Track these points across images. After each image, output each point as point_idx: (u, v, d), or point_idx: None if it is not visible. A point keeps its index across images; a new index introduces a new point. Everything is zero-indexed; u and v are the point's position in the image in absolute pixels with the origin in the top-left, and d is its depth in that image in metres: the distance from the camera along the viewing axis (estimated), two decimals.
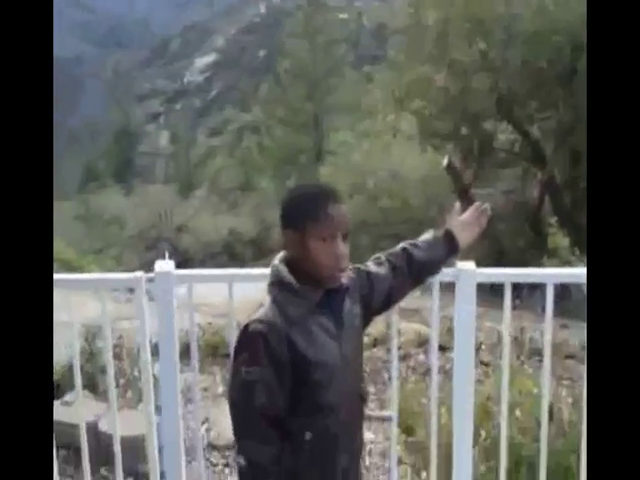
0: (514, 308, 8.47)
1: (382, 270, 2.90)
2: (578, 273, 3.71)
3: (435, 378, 3.50)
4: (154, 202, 37.15)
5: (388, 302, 2.98)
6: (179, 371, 3.54)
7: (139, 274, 3.46)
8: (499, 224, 17.46)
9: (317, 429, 2.62)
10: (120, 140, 72.04)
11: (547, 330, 3.39)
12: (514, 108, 17.31)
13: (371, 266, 2.91)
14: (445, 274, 3.24)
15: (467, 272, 3.32)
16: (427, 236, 3.07)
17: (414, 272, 2.99)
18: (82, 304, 5.44)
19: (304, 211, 2.62)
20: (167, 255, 3.50)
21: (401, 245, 3.02)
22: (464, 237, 3.08)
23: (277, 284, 2.65)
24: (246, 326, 2.60)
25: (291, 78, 42.72)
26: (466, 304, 3.33)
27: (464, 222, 3.10)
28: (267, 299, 2.65)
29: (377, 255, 2.98)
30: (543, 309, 3.38)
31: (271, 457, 2.56)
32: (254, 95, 58.27)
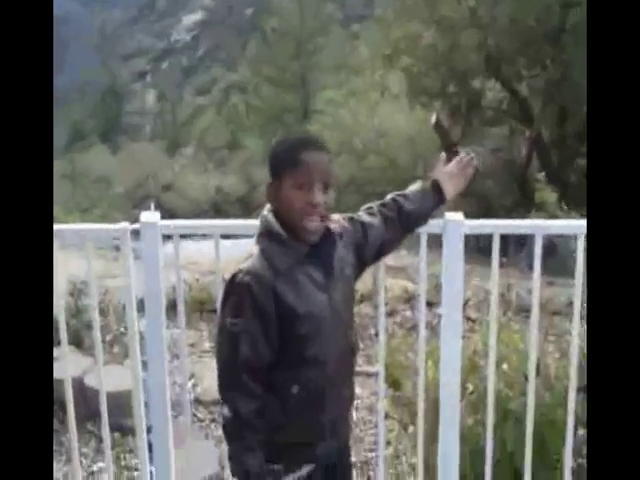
0: (501, 266, 8.48)
1: (375, 221, 2.89)
2: (567, 224, 3.69)
3: (423, 331, 3.49)
4: (141, 161, 37.05)
5: (380, 253, 2.96)
6: (166, 327, 3.52)
7: (124, 225, 3.42)
8: (487, 182, 17.47)
9: (304, 382, 2.60)
10: (107, 99, 71.63)
11: (536, 281, 3.36)
12: (502, 66, 17.26)
13: (364, 216, 2.89)
14: (432, 225, 3.22)
15: (454, 223, 3.28)
16: (415, 187, 3.06)
17: (404, 223, 2.98)
18: (68, 262, 5.42)
19: (280, 159, 2.61)
20: (153, 207, 3.47)
21: (390, 196, 3.00)
22: (450, 188, 3.07)
23: (265, 235, 2.63)
24: (233, 277, 2.57)
25: (278, 37, 42.51)
26: (453, 255, 3.31)
27: (450, 173, 3.09)
28: (255, 250, 2.62)
29: (369, 205, 2.97)
30: (529, 267, 3.37)
31: (254, 409, 2.55)
32: (241, 54, 57.98)
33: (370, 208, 2.95)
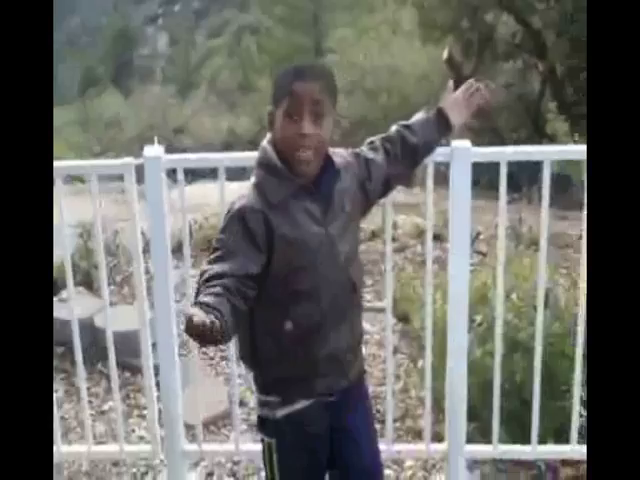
0: (512, 201, 8.44)
1: (378, 156, 2.84)
2: (575, 149, 3.64)
3: (429, 261, 3.47)
4: (152, 104, 36.94)
5: (386, 188, 2.92)
6: (174, 266, 3.51)
7: (128, 160, 3.41)
8: (499, 116, 17.34)
9: (298, 318, 2.57)
10: (118, 43, 71.35)
11: (544, 208, 3.33)
12: None
13: (368, 152, 2.85)
14: (439, 153, 3.18)
15: (462, 150, 3.25)
16: (419, 116, 3.00)
17: (408, 155, 2.93)
18: (78, 207, 5.41)
19: (277, 88, 2.59)
20: (156, 141, 3.44)
21: (394, 128, 2.95)
22: (456, 115, 3.01)
23: (262, 165, 2.61)
24: (232, 205, 2.57)
25: None
26: (461, 183, 3.28)
27: (456, 99, 3.03)
28: (252, 180, 2.61)
29: (371, 139, 2.91)
30: (541, 200, 3.33)
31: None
32: None
33: (372, 142, 2.90)
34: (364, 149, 2.86)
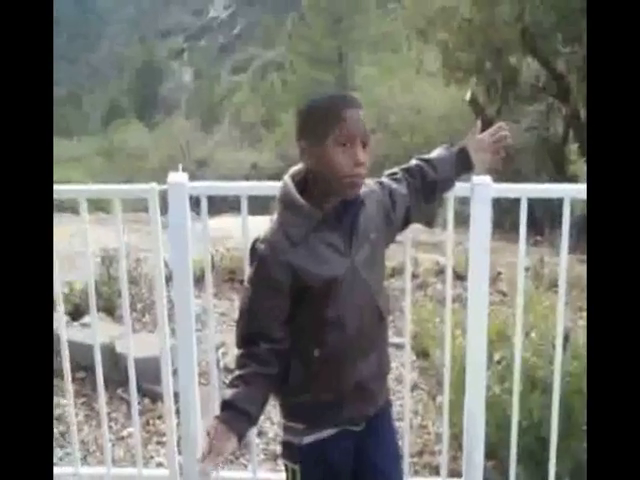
0: (534, 244, 8.43)
1: (401, 187, 2.83)
2: None
3: (449, 296, 3.49)
4: (176, 136, 37.15)
5: (406, 221, 2.89)
6: (195, 295, 3.55)
7: (152, 185, 3.45)
8: (522, 159, 17.35)
9: (325, 345, 2.59)
10: (144, 76, 71.95)
11: (563, 246, 3.35)
12: (539, 41, 17.07)
13: (392, 182, 2.83)
14: (460, 188, 3.21)
15: (482, 186, 3.28)
16: (440, 152, 2.98)
17: (427, 190, 2.91)
18: (101, 235, 5.47)
19: (320, 117, 2.54)
20: (180, 168, 3.48)
21: (414, 162, 2.93)
22: (478, 158, 2.98)
23: (282, 201, 2.61)
24: (253, 244, 2.60)
25: (315, 14, 42.37)
26: (481, 219, 3.30)
27: (481, 142, 2.99)
28: (274, 217, 2.62)
29: (392, 171, 2.90)
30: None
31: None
32: (278, 31, 57.87)
33: (395, 174, 2.88)
34: (387, 179, 2.85)
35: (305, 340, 2.61)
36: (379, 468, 2.81)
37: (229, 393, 2.52)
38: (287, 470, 2.77)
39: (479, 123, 3.06)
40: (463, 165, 2.98)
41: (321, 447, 2.69)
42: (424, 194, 2.91)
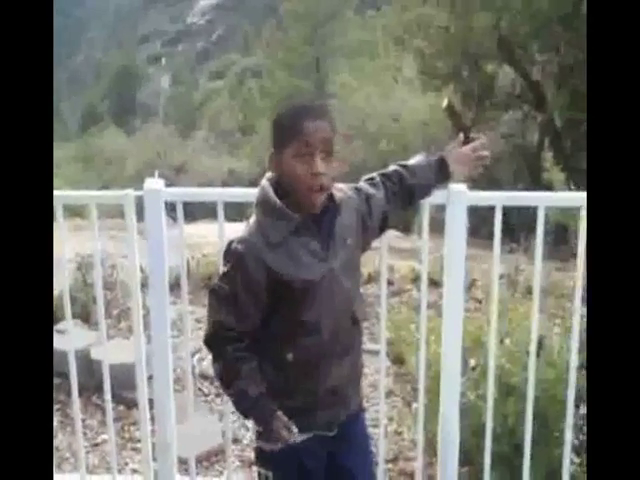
0: (510, 251, 8.44)
1: (379, 192, 2.86)
2: (569, 196, 3.69)
3: (424, 304, 3.50)
4: (153, 143, 37.05)
5: (383, 226, 2.92)
6: (171, 301, 3.54)
7: (128, 191, 3.44)
8: (497, 167, 17.40)
9: (299, 349, 2.61)
10: (121, 82, 71.75)
11: (537, 253, 3.36)
12: (515, 49, 17.14)
13: (369, 188, 2.86)
14: (436, 196, 3.22)
15: (458, 194, 3.29)
16: (419, 159, 3.01)
17: (405, 196, 2.95)
18: (76, 241, 5.45)
19: (281, 128, 2.59)
20: (157, 174, 3.48)
21: (393, 167, 2.97)
22: (457, 169, 3.04)
23: (261, 204, 2.63)
24: (228, 245, 2.62)
25: (294, 21, 42.41)
26: (456, 226, 3.32)
27: (463, 156, 3.05)
28: (252, 218, 2.64)
29: (370, 176, 2.93)
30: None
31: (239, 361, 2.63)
32: (256, 38, 57.88)
33: (372, 179, 2.91)
34: (364, 185, 2.87)
35: (279, 345, 2.62)
36: (352, 473, 2.82)
37: (253, 386, 2.61)
38: (260, 476, 2.77)
39: (461, 136, 3.10)
40: (441, 174, 3.03)
41: (294, 453, 2.68)
42: (402, 199, 2.94)
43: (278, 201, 2.58)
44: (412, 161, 3.01)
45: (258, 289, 2.55)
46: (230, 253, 2.59)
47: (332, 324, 2.63)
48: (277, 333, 2.62)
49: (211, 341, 2.67)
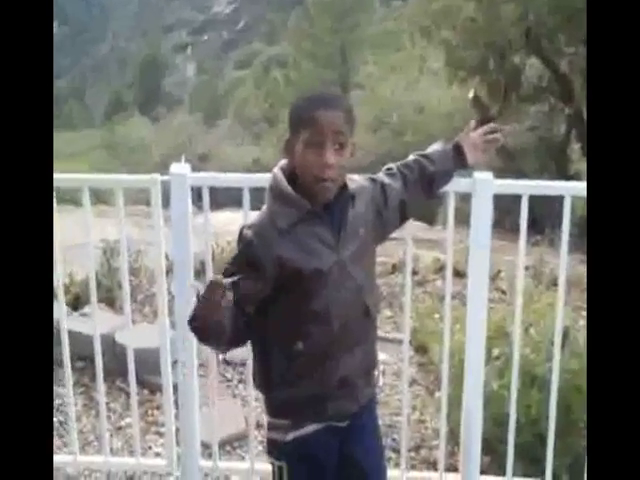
0: (535, 244, 8.41)
1: (396, 182, 2.85)
2: None
3: (449, 292, 3.50)
4: (178, 131, 37.15)
5: (402, 216, 2.91)
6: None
7: (154, 176, 3.46)
8: (524, 159, 17.33)
9: (308, 338, 2.60)
10: (147, 71, 71.91)
11: (564, 242, 3.35)
12: (542, 41, 17.06)
13: (385, 177, 2.86)
14: (461, 184, 3.22)
15: (484, 182, 3.29)
16: (437, 147, 3.04)
17: (425, 184, 2.95)
18: (102, 227, 5.48)
19: (296, 117, 2.60)
20: (183, 159, 3.49)
21: (412, 157, 2.98)
22: (471, 155, 3.05)
23: (272, 191, 2.64)
24: (241, 229, 2.62)
25: (320, 11, 42.36)
26: (482, 214, 3.31)
27: (473, 140, 3.06)
28: (264, 205, 2.65)
29: (389, 166, 2.93)
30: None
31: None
32: (282, 28, 57.86)
33: (390, 169, 2.92)
34: (380, 175, 2.88)
35: (288, 333, 2.62)
36: (361, 465, 2.82)
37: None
38: (273, 467, 2.78)
39: (472, 122, 3.11)
40: (459, 160, 3.04)
41: (306, 443, 2.70)
42: (422, 188, 2.95)
43: (289, 188, 2.58)
44: (430, 149, 3.03)
45: (263, 274, 2.54)
46: (240, 238, 2.60)
47: (342, 314, 2.63)
48: (287, 322, 2.62)
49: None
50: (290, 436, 2.69)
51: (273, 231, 2.55)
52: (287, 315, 2.61)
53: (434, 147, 3.04)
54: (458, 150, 3.02)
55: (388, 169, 2.92)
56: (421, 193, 2.96)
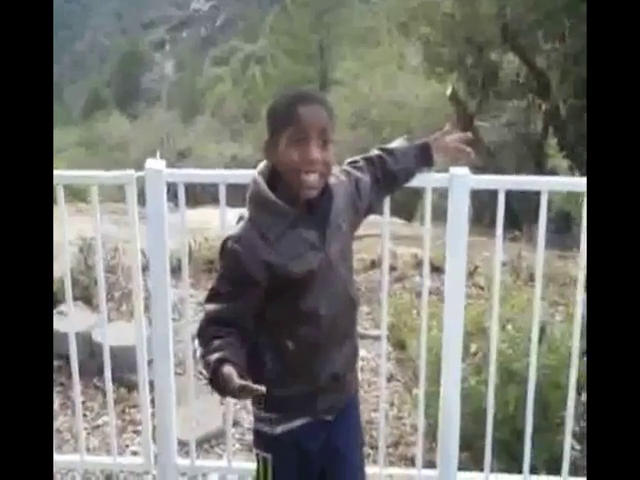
0: (513, 239, 8.42)
1: (364, 176, 2.85)
2: (573, 182, 3.68)
3: (426, 288, 3.50)
4: (157, 128, 37.04)
5: (369, 209, 2.90)
6: (172, 285, 3.54)
7: (130, 172, 3.43)
8: (502, 155, 17.38)
9: (300, 338, 2.60)
10: (125, 67, 71.64)
11: (540, 238, 3.35)
12: (520, 37, 17.09)
13: (356, 171, 2.85)
14: (438, 180, 3.21)
15: (460, 177, 3.29)
16: (401, 143, 3.01)
17: (388, 181, 2.96)
18: (78, 224, 5.44)
19: (277, 115, 2.57)
20: (158, 155, 3.47)
21: (376, 152, 2.96)
22: (438, 158, 3.05)
23: (254, 199, 2.60)
24: (224, 242, 2.58)
25: (298, 8, 42.36)
26: (459, 210, 3.31)
27: (445, 146, 3.06)
28: (246, 213, 2.60)
29: (353, 159, 2.92)
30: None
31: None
32: (261, 25, 57.79)
33: (356, 162, 2.90)
34: (350, 168, 2.86)
35: (279, 334, 2.61)
36: (345, 455, 2.83)
37: (217, 354, 2.38)
38: (258, 458, 2.77)
39: (448, 125, 3.10)
40: (424, 160, 3.04)
41: (294, 436, 2.69)
42: (385, 184, 2.95)
43: (272, 195, 2.55)
44: (394, 145, 3.01)
45: (255, 286, 2.52)
46: (226, 252, 2.56)
47: (331, 311, 2.63)
48: (277, 322, 2.61)
49: (200, 330, 2.55)
50: (279, 429, 2.69)
51: (260, 241, 2.52)
52: (277, 316, 2.61)
53: (399, 142, 3.02)
54: (426, 151, 3.02)
55: (354, 162, 2.91)
56: (384, 189, 2.98)
